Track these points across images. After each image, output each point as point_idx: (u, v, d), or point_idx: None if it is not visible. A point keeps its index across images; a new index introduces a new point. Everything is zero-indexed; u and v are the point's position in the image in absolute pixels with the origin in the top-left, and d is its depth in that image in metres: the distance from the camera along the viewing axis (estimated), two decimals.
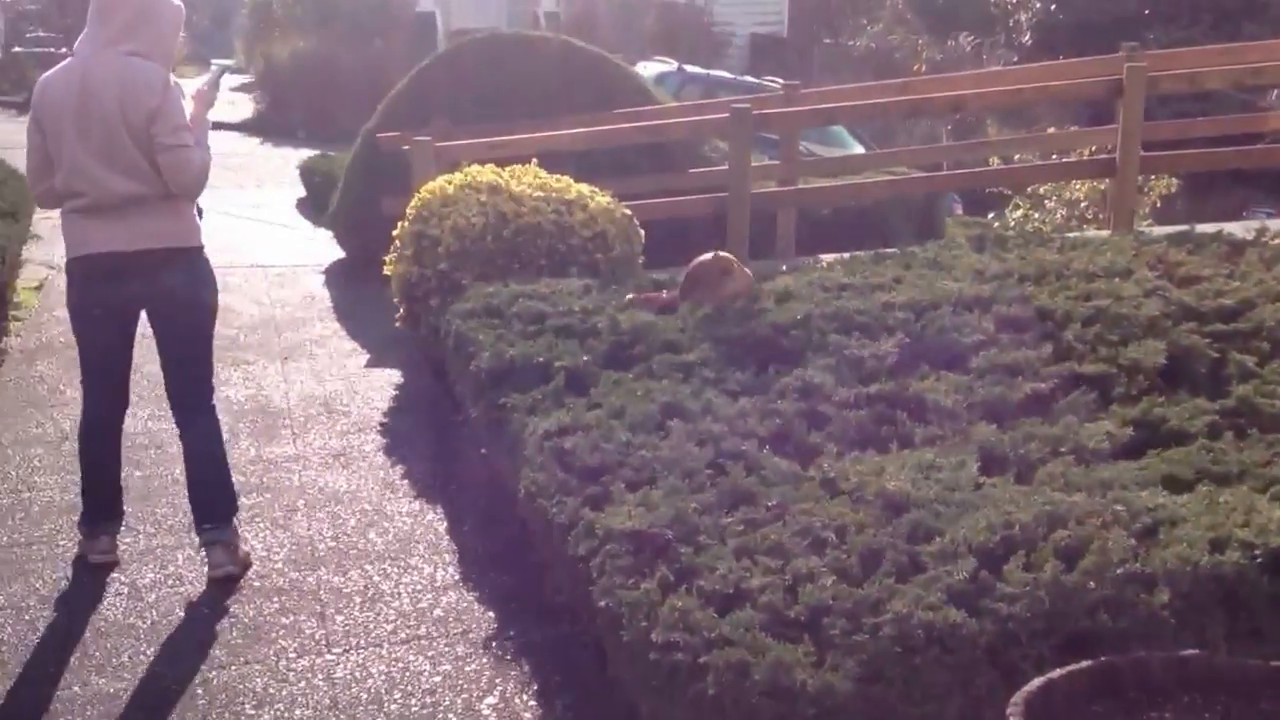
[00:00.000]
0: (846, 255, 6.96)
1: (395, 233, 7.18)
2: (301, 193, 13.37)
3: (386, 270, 7.15)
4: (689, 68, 16.86)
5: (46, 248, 10.17)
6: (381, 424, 6.45)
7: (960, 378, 4.51)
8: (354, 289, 9.42)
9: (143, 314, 4.76)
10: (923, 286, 5.45)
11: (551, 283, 6.09)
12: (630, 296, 5.85)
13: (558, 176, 7.06)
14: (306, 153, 15.76)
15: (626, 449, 4.12)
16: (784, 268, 6.78)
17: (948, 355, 4.69)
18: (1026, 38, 22.34)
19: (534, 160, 7.28)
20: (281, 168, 15.81)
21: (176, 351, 4.77)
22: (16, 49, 33.09)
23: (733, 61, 23.69)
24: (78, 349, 4.81)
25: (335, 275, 9.97)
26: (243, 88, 27.07)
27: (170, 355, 4.79)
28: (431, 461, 5.90)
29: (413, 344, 7.26)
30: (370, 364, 7.49)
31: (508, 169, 7.13)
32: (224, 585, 4.66)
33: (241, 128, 21.46)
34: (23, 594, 4.61)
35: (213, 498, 4.78)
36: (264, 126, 21.31)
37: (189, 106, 4.69)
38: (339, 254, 10.47)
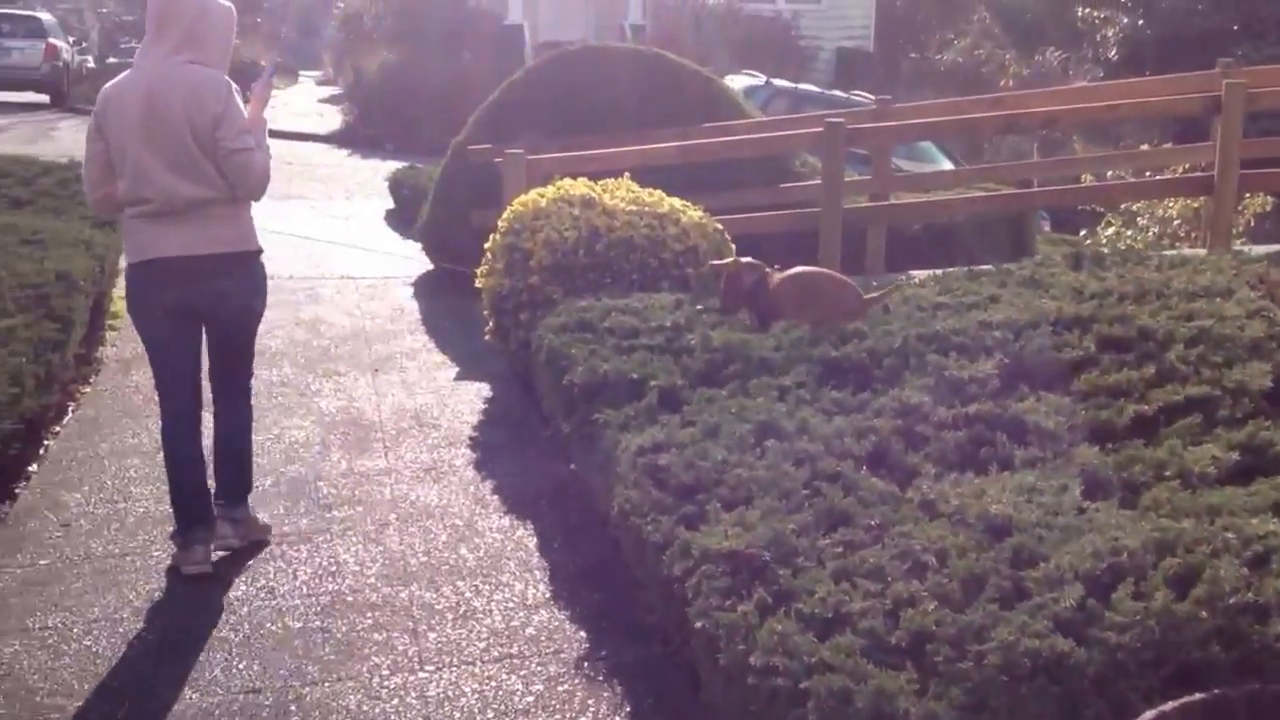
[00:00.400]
0: (938, 272, 6.88)
1: (486, 246, 7.22)
2: (390, 204, 13.50)
3: (477, 283, 7.18)
4: (777, 81, 16.78)
5: None
6: (471, 438, 6.46)
7: (1061, 399, 4.42)
8: (443, 301, 9.48)
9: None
10: (1020, 305, 5.36)
11: (644, 297, 6.09)
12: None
13: (650, 190, 7.06)
14: (394, 164, 15.90)
15: (722, 467, 4.09)
16: (875, 284, 6.70)
17: (1047, 376, 4.60)
18: (1113, 52, 22.00)
19: (626, 174, 7.28)
20: (370, 179, 15.99)
21: (226, 346, 5.03)
22: (111, 59, 33.84)
23: (819, 75, 23.59)
24: (147, 352, 4.98)
25: (424, 287, 10.04)
26: (331, 99, 27.44)
27: (218, 349, 5.03)
28: (521, 476, 5.90)
29: (502, 357, 7.28)
30: (460, 377, 7.52)
31: (600, 183, 7.15)
32: (318, 598, 4.70)
33: (330, 139, 21.74)
34: (116, 605, 4.66)
35: (232, 479, 5.11)
36: (352, 138, 21.59)
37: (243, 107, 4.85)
38: (427, 266, 10.55)
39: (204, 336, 4.97)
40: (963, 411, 4.28)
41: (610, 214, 6.79)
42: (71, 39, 33.07)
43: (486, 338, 7.23)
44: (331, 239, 12.01)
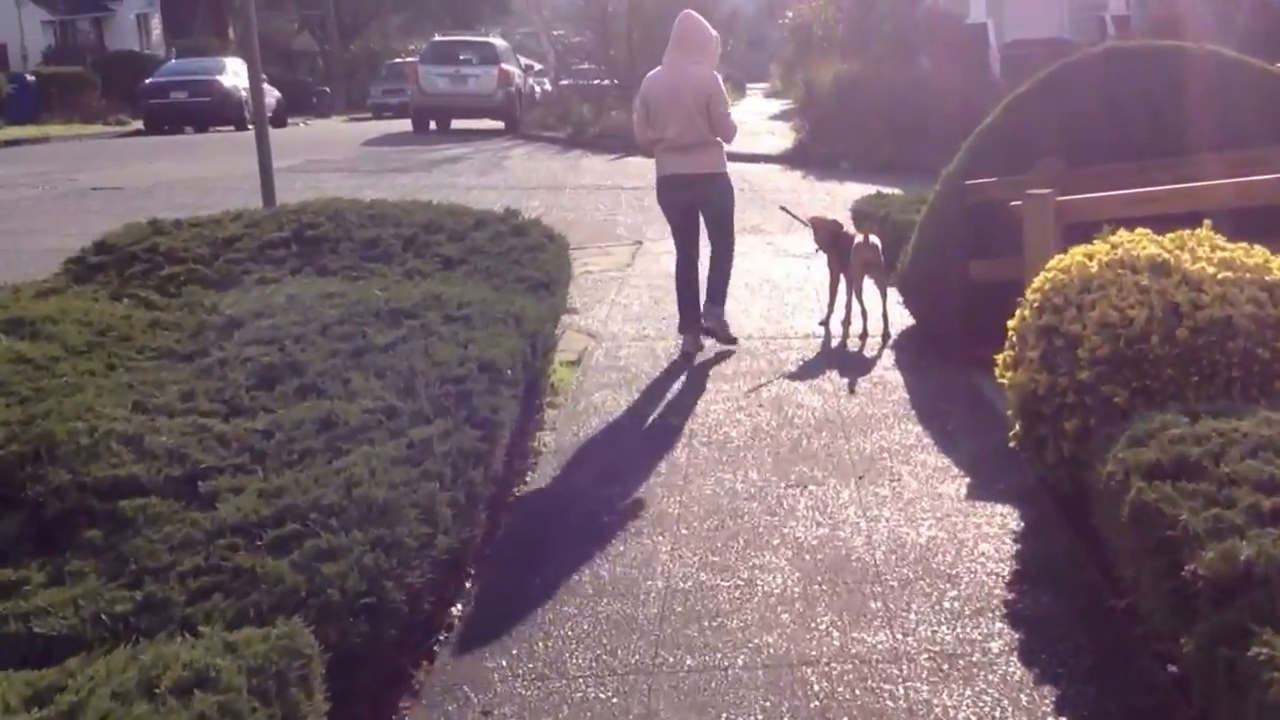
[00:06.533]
0: None
1: (1011, 325, 5.51)
2: None
3: (999, 376, 5.49)
4: None
5: (583, 318, 9.32)
6: (1006, 602, 4.63)
7: None
8: (932, 372, 7.77)
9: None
10: None
11: (1273, 417, 4.17)
12: None
13: (1247, 247, 5.10)
14: (852, 187, 14.45)
15: None
16: None
17: None
18: None
19: (1206, 223, 5.34)
20: (828, 207, 14.44)
21: (712, 224, 8.53)
22: (564, 81, 34.30)
23: None
24: (669, 225, 8.67)
25: (906, 350, 8.35)
26: (781, 114, 26.28)
27: (709, 224, 8.53)
28: (1097, 682, 4.03)
29: (1028, 466, 5.54)
30: (971, 494, 5.71)
31: (1169, 236, 5.27)
32: None
33: (781, 160, 20.51)
34: None
35: (716, 291, 8.47)
36: (805, 158, 20.25)
37: None
38: (907, 320, 8.88)
39: (700, 217, 8.50)
40: None
41: (1194, 283, 4.91)
42: (525, 63, 33.65)
43: (1011, 444, 5.49)
44: (792, 286, 10.58)
